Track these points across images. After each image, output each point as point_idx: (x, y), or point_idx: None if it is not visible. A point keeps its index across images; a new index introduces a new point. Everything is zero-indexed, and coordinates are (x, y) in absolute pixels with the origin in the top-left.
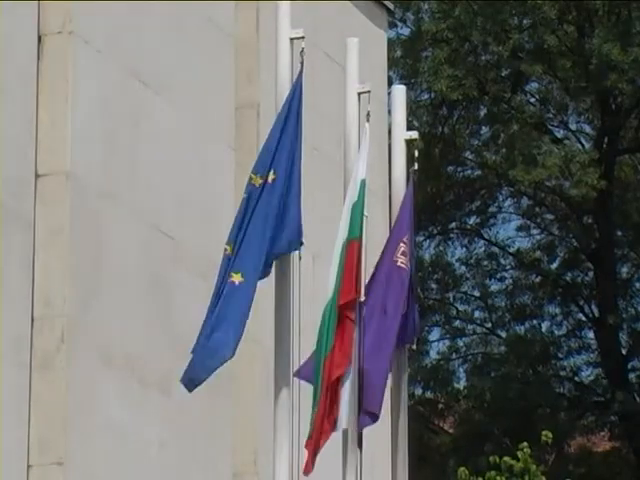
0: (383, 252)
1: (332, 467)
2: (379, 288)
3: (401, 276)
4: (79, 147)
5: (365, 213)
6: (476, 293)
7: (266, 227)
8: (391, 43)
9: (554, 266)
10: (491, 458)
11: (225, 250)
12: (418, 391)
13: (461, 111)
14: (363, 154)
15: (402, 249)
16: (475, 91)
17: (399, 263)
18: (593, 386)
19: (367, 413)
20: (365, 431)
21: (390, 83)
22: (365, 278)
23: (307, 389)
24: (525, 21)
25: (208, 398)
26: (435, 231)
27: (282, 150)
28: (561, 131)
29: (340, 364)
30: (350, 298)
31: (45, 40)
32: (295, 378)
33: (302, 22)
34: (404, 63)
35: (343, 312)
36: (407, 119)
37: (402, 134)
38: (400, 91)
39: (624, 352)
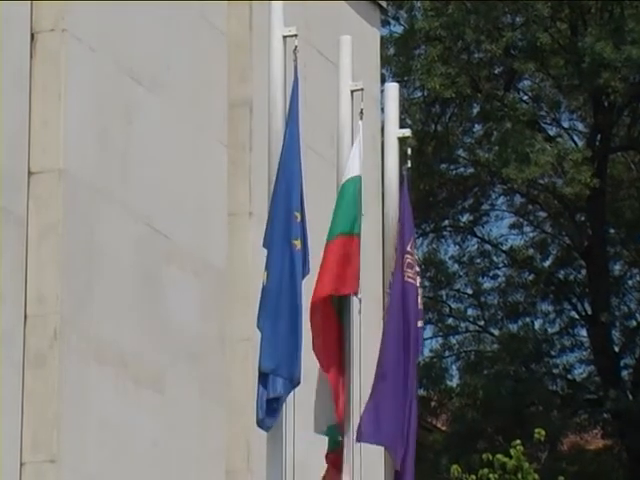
0: (395, 268)
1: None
2: (396, 305)
3: (412, 291)
4: (72, 145)
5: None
6: (469, 291)
7: None
8: (384, 41)
9: (547, 264)
10: (484, 456)
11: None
12: None
13: (454, 109)
14: (356, 151)
15: (408, 261)
16: (468, 89)
17: (407, 277)
18: (586, 384)
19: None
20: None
21: (383, 81)
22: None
23: (300, 386)
24: (518, 19)
25: (201, 396)
26: (428, 229)
27: (287, 153)
28: (554, 129)
29: (329, 363)
30: (327, 293)
31: (38, 38)
32: None
33: (295, 20)
34: (397, 61)
35: (326, 305)
36: (400, 117)
37: (395, 132)
38: (393, 89)
39: (617, 349)
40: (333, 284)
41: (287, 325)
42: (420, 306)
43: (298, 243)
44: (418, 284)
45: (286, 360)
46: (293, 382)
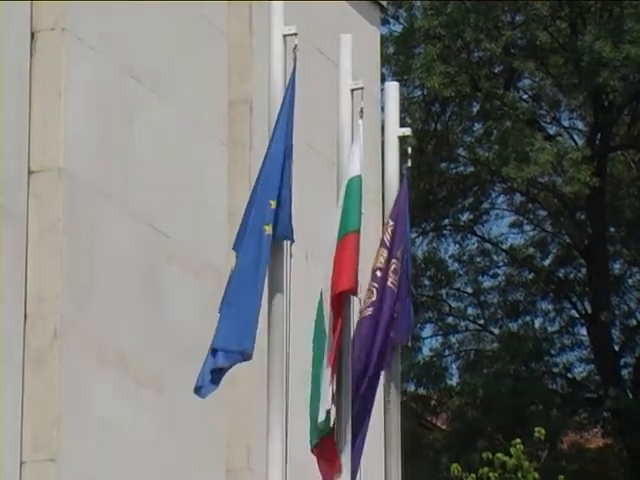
0: (383, 270)
1: None
2: (379, 307)
3: (391, 298)
4: (72, 144)
5: (362, 210)
6: (469, 290)
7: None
8: (384, 40)
9: (547, 263)
10: (484, 454)
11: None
12: (411, 388)
13: (454, 108)
14: (356, 151)
15: (394, 266)
16: (468, 88)
17: (389, 283)
18: (586, 382)
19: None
20: None
21: (383, 80)
22: (359, 274)
23: (300, 385)
24: (517, 18)
25: None
26: (428, 228)
27: (274, 147)
28: (554, 128)
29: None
30: (345, 289)
31: (38, 37)
32: (287, 375)
33: (295, 19)
34: (397, 60)
35: (335, 303)
36: (400, 116)
37: (395, 131)
38: (393, 88)
39: (617, 348)
40: (348, 282)
41: (246, 304)
42: (395, 314)
43: (269, 228)
44: (395, 292)
45: (238, 335)
46: (244, 355)
